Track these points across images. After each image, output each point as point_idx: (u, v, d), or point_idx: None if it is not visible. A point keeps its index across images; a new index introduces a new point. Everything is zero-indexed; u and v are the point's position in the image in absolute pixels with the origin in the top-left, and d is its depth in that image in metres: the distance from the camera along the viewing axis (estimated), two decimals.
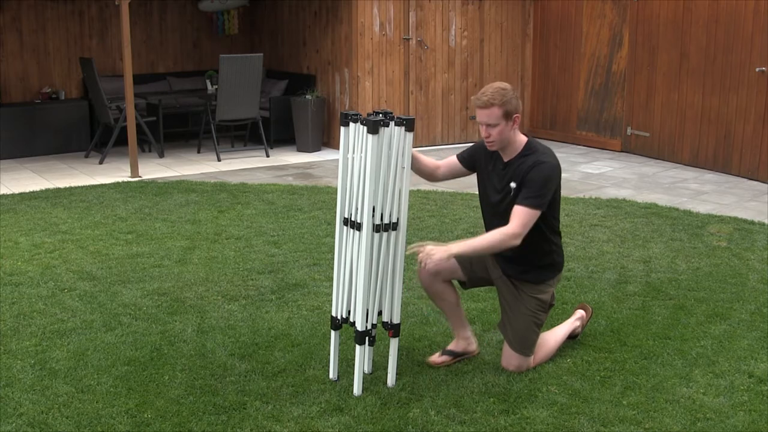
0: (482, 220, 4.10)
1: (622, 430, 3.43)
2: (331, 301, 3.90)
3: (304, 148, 10.09)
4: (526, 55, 10.94)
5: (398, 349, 3.87)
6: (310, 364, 4.04)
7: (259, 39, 11.68)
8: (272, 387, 3.79)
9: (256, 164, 9.36)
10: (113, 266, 5.56)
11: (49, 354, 4.15)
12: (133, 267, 5.54)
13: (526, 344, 3.93)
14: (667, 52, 9.27)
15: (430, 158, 4.06)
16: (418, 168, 3.99)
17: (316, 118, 10.04)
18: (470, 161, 4.00)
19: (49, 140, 9.85)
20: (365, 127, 3.56)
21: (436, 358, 4.03)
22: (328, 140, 10.25)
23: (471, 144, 4.12)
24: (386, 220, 3.65)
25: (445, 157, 4.09)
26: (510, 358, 3.96)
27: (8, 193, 7.82)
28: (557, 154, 3.96)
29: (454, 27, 10.34)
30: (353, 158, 3.68)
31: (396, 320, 3.78)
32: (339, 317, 3.85)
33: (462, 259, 3.93)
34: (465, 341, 4.08)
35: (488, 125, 3.74)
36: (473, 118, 9.02)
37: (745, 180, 8.39)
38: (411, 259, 5.12)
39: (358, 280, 3.68)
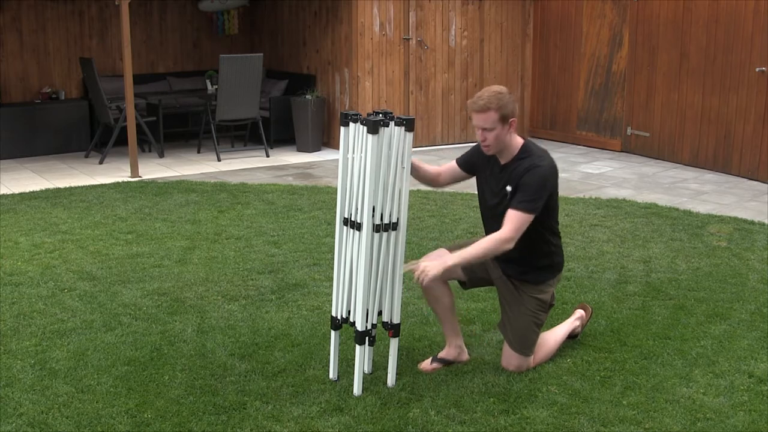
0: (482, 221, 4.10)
1: (622, 430, 3.43)
2: (331, 301, 3.90)
3: (304, 148, 10.09)
4: (526, 55, 10.94)
5: (398, 349, 3.87)
6: (310, 364, 4.04)
7: (259, 39, 11.68)
8: (272, 387, 3.79)
9: (256, 164, 9.36)
10: (113, 266, 5.56)
11: (49, 354, 4.15)
12: (133, 267, 5.54)
13: (526, 344, 3.93)
14: (667, 52, 9.27)
15: (430, 165, 4.07)
16: (419, 176, 4.02)
17: (316, 118, 10.04)
18: (469, 165, 4.01)
19: (49, 140, 9.85)
20: (365, 127, 3.56)
21: (427, 365, 4.02)
22: (328, 140, 10.26)
23: (470, 146, 4.12)
24: (386, 220, 3.65)
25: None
26: (510, 358, 3.96)
27: (8, 193, 7.82)
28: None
29: (454, 27, 10.34)
30: (353, 158, 3.68)
31: (396, 320, 3.78)
32: (339, 317, 3.85)
33: None
34: (457, 350, 4.07)
35: (484, 129, 3.73)
36: None
37: (745, 180, 8.39)
38: (411, 259, 5.11)
39: (358, 280, 3.68)
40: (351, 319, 3.79)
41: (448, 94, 10.44)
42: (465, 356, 4.09)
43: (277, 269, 5.50)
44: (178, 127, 10.60)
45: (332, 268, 4.08)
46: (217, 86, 9.72)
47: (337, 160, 3.93)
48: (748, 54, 8.33)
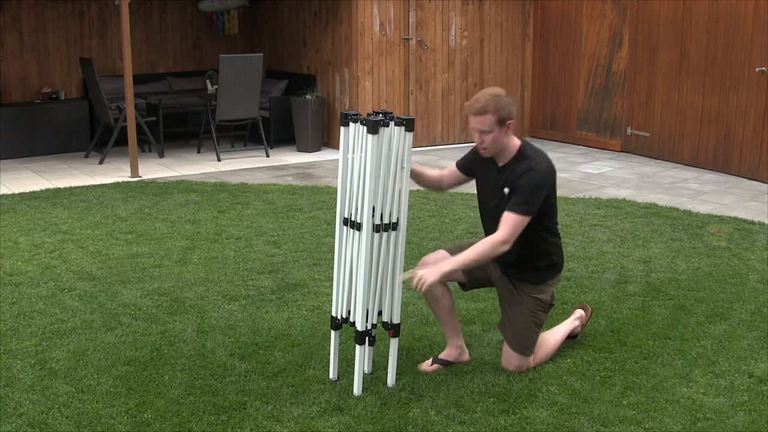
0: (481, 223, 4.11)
1: (622, 430, 3.43)
2: (331, 301, 3.90)
3: (304, 148, 10.09)
4: (526, 55, 10.94)
5: (398, 349, 3.87)
6: (310, 364, 4.04)
7: (259, 39, 11.68)
8: (272, 387, 3.79)
9: (256, 164, 9.36)
10: (113, 266, 5.56)
11: (49, 354, 4.15)
12: (133, 267, 5.54)
13: (525, 344, 3.93)
14: (667, 52, 9.27)
15: (432, 169, 4.09)
16: (423, 182, 4.05)
17: (316, 118, 10.05)
18: (468, 167, 4.02)
19: (49, 140, 9.85)
20: (365, 127, 3.56)
21: (427, 366, 4.02)
22: (328, 140, 10.26)
23: (471, 146, 4.12)
24: (386, 220, 3.65)
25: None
26: (510, 358, 3.96)
27: (8, 193, 7.82)
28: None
29: (454, 27, 10.35)
30: (353, 158, 3.68)
31: (396, 320, 3.78)
32: (339, 317, 3.85)
33: None
34: (457, 350, 4.06)
35: (482, 132, 3.73)
36: None
37: (745, 180, 8.39)
38: (411, 259, 5.12)
39: (358, 280, 3.68)
40: (351, 319, 3.79)
41: (448, 94, 10.44)
42: (465, 357, 4.09)
43: (277, 269, 5.50)
44: (178, 127, 10.60)
45: (332, 268, 4.08)
46: (217, 86, 9.72)
47: (337, 160, 3.93)
48: (748, 54, 8.33)
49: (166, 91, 10.69)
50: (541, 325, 3.99)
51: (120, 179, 8.43)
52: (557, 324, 4.28)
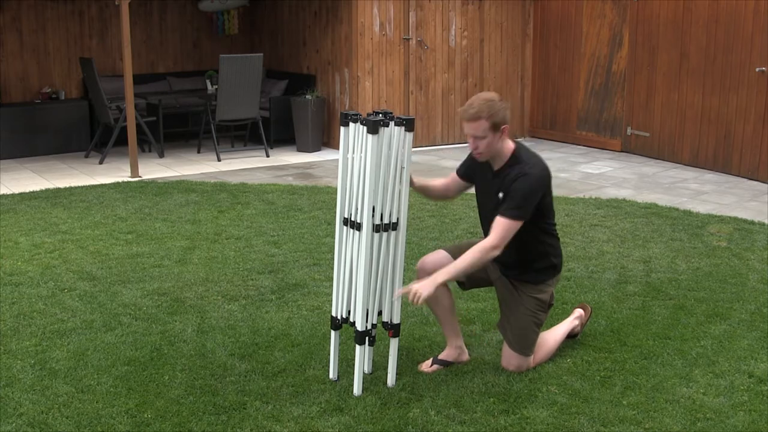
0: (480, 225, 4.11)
1: (622, 430, 3.43)
2: (331, 301, 3.90)
3: (304, 148, 10.09)
4: (526, 55, 10.94)
5: (398, 349, 3.87)
6: (310, 364, 4.04)
7: (259, 39, 11.68)
8: (272, 387, 3.79)
9: (256, 164, 9.36)
10: (113, 266, 5.56)
11: (49, 354, 4.15)
12: (133, 267, 5.54)
13: (525, 344, 3.93)
14: (667, 52, 9.27)
15: (436, 179, 4.12)
16: (430, 195, 4.11)
17: (316, 118, 10.05)
18: (467, 173, 4.03)
19: (49, 140, 9.85)
20: (365, 127, 3.56)
21: (427, 367, 4.02)
22: (328, 140, 10.26)
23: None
24: (386, 220, 3.65)
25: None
26: (510, 358, 3.96)
27: (8, 193, 7.82)
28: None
29: (454, 27, 10.34)
30: (353, 158, 3.68)
31: (396, 320, 3.78)
32: (339, 317, 3.85)
33: None
34: (457, 350, 4.07)
35: (476, 137, 3.74)
36: None
37: (745, 180, 8.39)
38: (411, 259, 5.12)
39: (358, 280, 3.68)
40: (351, 319, 3.79)
41: (448, 94, 10.43)
42: (465, 357, 4.09)
43: (277, 269, 5.50)
44: (178, 127, 10.60)
45: (332, 268, 4.08)
46: (217, 86, 9.72)
47: (337, 160, 3.93)
48: (748, 54, 8.33)
49: (166, 91, 10.69)
50: (540, 325, 4.00)
51: (120, 179, 8.43)
52: (557, 324, 4.28)
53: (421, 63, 10.19)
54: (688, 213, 7.01)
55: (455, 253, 3.83)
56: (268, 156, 9.77)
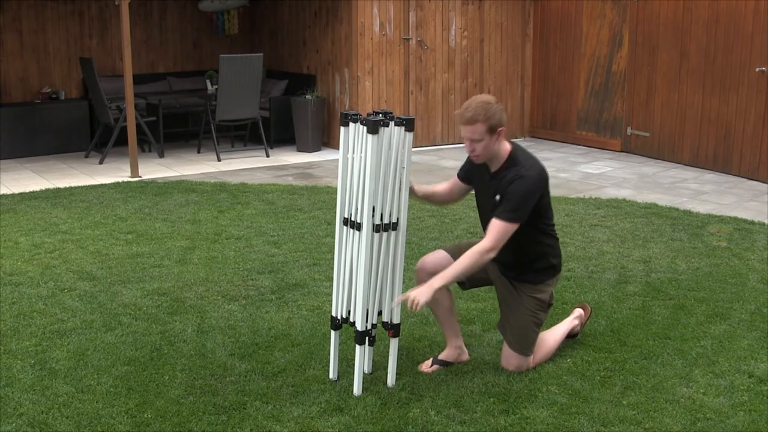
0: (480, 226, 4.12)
1: (622, 430, 3.43)
2: (331, 301, 3.90)
3: (304, 148, 10.09)
4: (526, 55, 10.94)
5: (398, 349, 3.87)
6: (310, 364, 4.04)
7: (259, 39, 11.68)
8: (272, 387, 3.79)
9: (256, 164, 9.36)
10: (113, 266, 5.56)
11: (49, 354, 4.15)
12: (133, 267, 5.54)
13: (525, 344, 3.93)
14: (667, 52, 9.27)
15: (437, 185, 4.14)
16: (435, 200, 4.15)
17: (316, 118, 10.05)
18: (467, 176, 4.05)
19: (49, 140, 9.85)
20: (365, 127, 3.56)
21: (426, 367, 4.03)
22: (328, 140, 10.26)
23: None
24: (386, 220, 3.65)
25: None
26: (510, 358, 3.96)
27: (8, 193, 7.82)
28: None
29: (454, 27, 10.34)
30: (353, 158, 3.68)
31: (396, 320, 3.79)
32: (339, 317, 3.85)
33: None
34: (457, 350, 4.07)
35: (472, 140, 3.74)
36: None
37: (745, 180, 8.39)
38: (411, 259, 5.12)
39: (358, 280, 3.68)
40: (351, 319, 3.80)
41: (448, 94, 10.43)
42: (465, 357, 4.09)
43: (277, 269, 5.50)
44: (178, 127, 10.60)
45: (332, 268, 4.08)
46: (217, 86, 9.72)
47: (337, 160, 3.93)
48: (748, 54, 8.33)
49: (166, 91, 10.69)
50: (540, 325, 4.00)
51: (120, 179, 8.43)
52: (557, 324, 4.28)
53: (421, 63, 10.20)
54: (688, 213, 7.01)
55: (455, 253, 3.83)
56: (268, 156, 9.77)
